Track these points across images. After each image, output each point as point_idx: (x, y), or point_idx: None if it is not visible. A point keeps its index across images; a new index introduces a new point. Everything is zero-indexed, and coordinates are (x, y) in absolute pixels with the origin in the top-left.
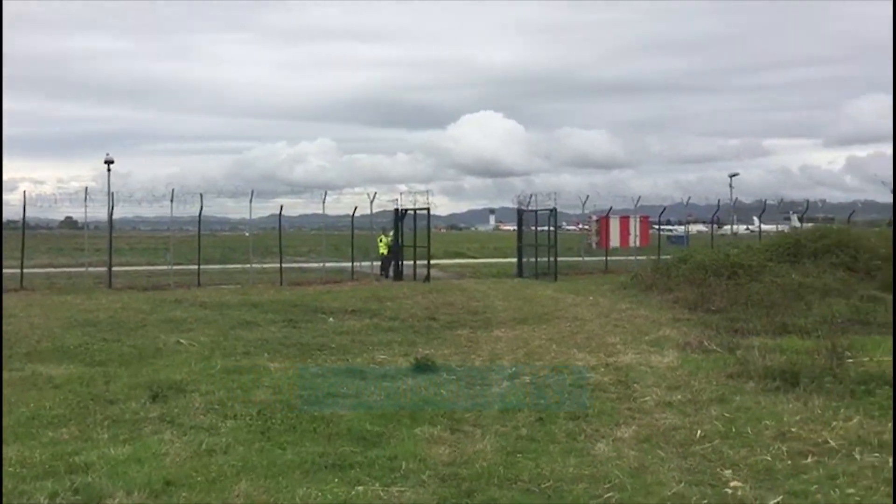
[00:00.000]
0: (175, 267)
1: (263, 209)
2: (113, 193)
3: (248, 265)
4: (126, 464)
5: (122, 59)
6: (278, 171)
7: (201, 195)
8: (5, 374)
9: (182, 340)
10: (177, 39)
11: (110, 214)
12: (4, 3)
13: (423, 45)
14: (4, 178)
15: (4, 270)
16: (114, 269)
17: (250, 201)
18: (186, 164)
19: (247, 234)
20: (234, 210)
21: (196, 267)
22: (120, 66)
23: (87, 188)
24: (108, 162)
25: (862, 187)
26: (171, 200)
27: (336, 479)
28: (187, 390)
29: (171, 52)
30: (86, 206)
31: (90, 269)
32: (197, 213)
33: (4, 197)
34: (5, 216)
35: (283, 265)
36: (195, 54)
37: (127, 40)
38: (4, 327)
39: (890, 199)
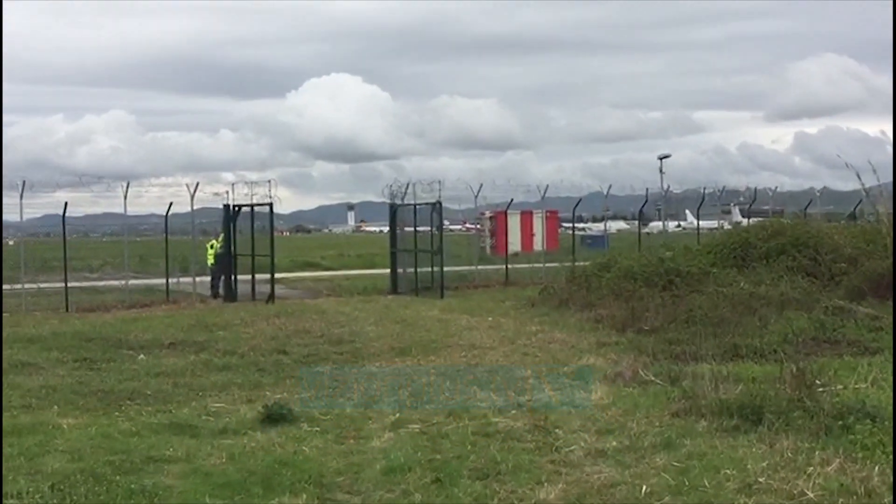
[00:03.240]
0: None
1: (33, 207)
2: None
3: (20, 286)
4: None
5: None
6: (53, 154)
7: None
8: None
9: None
10: None
11: None
12: None
13: None
14: None
15: None
16: None
17: (21, 196)
18: None
19: (10, 243)
20: None
21: None
22: None
23: None
24: None
25: (815, 171)
26: None
27: None
28: None
29: None
30: None
31: None
32: None
33: None
34: None
35: (70, 284)
36: None
37: None
38: None
39: (851, 186)
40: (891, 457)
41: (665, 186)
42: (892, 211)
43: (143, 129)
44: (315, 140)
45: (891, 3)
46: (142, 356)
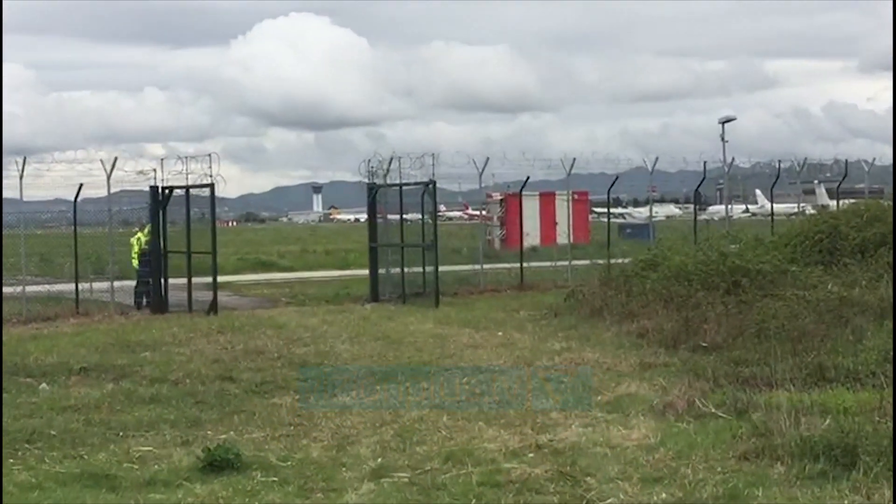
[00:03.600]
0: None
1: None
2: None
3: None
4: None
5: None
6: None
7: None
8: None
9: None
10: None
11: None
12: None
13: None
14: None
15: None
16: None
17: None
18: None
19: None
20: None
21: None
22: None
23: None
24: None
25: None
26: None
27: None
28: None
29: None
30: None
31: None
32: None
33: None
34: None
35: None
36: None
37: None
38: None
39: None
40: None
41: (728, 159)
42: None
43: (44, 87)
44: (269, 102)
45: None
46: (44, 385)
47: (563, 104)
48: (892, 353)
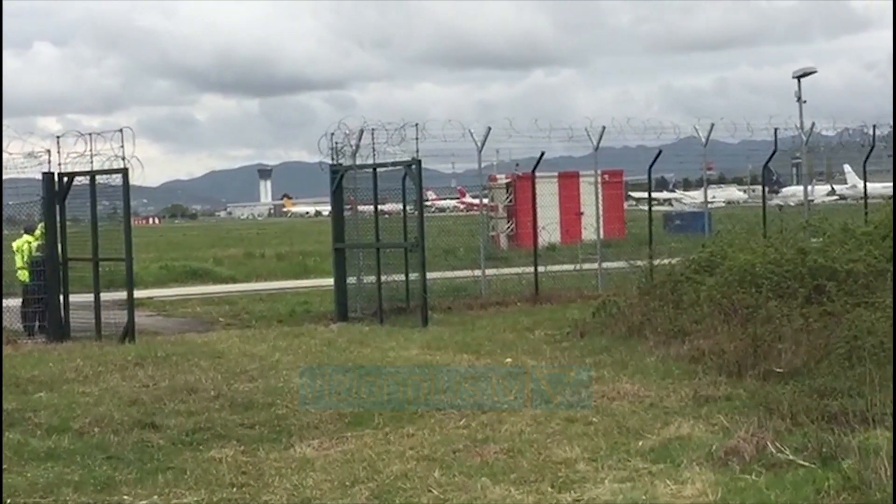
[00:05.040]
0: None
1: None
2: None
3: None
4: None
5: None
6: None
7: None
8: None
9: None
10: None
11: None
12: None
13: None
14: None
15: None
16: None
17: None
18: None
19: None
20: None
21: None
22: None
23: None
24: None
25: None
26: None
27: None
28: None
29: None
30: None
31: None
32: None
33: None
34: None
35: None
36: None
37: None
38: None
39: None
40: None
41: (807, 125)
42: None
43: None
44: (200, 59)
45: None
46: None
47: (588, 56)
48: None
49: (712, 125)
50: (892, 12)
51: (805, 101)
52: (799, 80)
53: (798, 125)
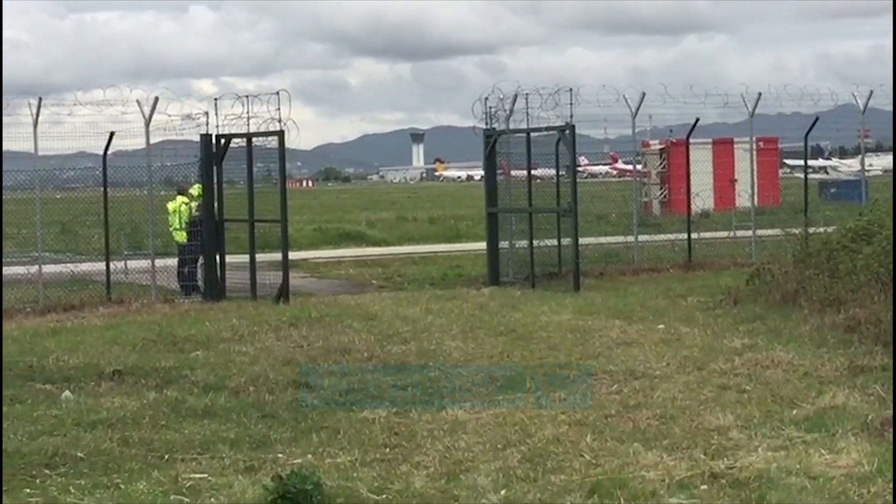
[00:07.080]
0: None
1: None
2: None
3: None
4: None
5: None
6: None
7: None
8: None
9: None
10: None
11: None
12: None
13: None
14: None
15: None
16: None
17: None
18: None
19: None
20: None
21: None
22: None
23: None
24: None
25: None
26: None
27: None
28: None
29: None
30: None
31: None
32: None
33: None
34: None
35: None
36: None
37: None
38: None
39: None
40: None
41: None
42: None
43: (60, 8)
44: (352, 23)
45: None
46: (67, 393)
47: (741, 22)
48: None
49: (871, 92)
50: (893, 12)
51: None
52: None
53: None
